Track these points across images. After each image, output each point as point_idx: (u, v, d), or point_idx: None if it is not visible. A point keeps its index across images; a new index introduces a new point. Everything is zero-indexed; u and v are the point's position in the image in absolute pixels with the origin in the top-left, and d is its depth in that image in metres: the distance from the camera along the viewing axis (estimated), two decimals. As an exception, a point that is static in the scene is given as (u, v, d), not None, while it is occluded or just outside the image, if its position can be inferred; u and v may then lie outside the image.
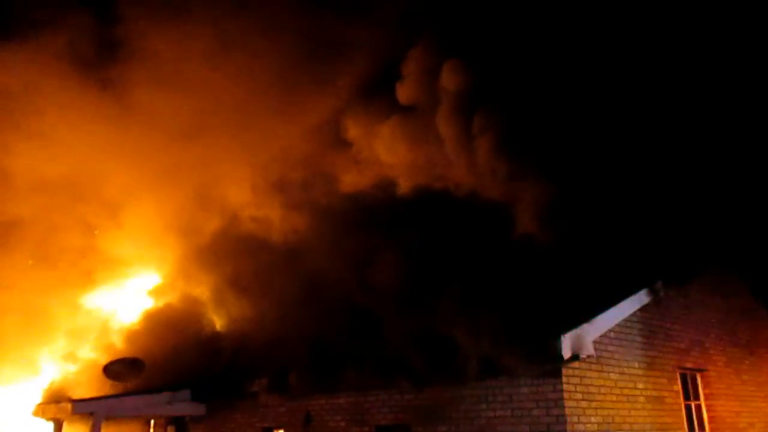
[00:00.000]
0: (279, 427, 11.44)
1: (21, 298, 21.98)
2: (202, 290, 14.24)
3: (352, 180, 11.30)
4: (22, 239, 22.00)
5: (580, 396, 7.62)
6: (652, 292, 8.99)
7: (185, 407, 12.72)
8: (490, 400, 8.08)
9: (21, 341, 22.22)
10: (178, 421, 13.80)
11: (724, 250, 9.74)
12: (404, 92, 10.64)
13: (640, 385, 8.58)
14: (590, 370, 7.83)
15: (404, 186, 10.34)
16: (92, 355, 16.80)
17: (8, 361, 23.68)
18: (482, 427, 8.09)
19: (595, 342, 7.73)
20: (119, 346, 16.11)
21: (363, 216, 10.27)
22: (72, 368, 17.22)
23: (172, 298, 15.51)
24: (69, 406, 12.47)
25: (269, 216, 12.39)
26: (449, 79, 9.71)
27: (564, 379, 7.44)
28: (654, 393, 8.78)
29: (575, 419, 7.46)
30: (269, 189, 13.18)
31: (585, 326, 7.56)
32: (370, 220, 10.06)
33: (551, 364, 7.40)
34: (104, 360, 15.38)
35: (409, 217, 9.88)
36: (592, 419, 7.70)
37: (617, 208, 9.20)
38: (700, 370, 9.96)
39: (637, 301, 8.77)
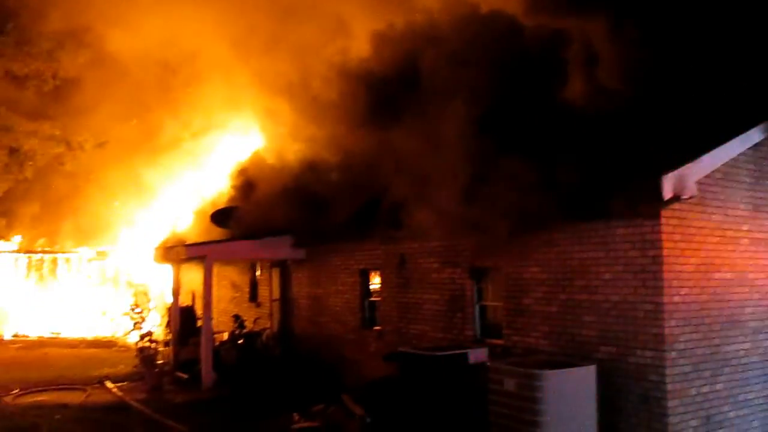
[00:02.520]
0: (374, 269, 12.06)
1: (132, 158, 23.69)
2: (298, 144, 14.62)
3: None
4: (131, 106, 23.53)
5: (679, 237, 7.45)
6: (765, 129, 8.35)
7: (287, 251, 13.60)
8: (584, 241, 8.06)
9: (140, 196, 24.21)
10: (281, 264, 14.81)
11: None
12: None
13: (745, 227, 8.26)
14: (692, 211, 7.57)
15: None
16: (203, 205, 18.00)
17: (129, 213, 25.91)
18: (574, 268, 8.16)
19: (698, 182, 7.40)
20: (226, 196, 17.11)
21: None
22: (186, 218, 18.60)
23: (272, 151, 16.08)
24: (183, 250, 13.57)
25: (356, 61, 12.21)
26: None
27: (663, 221, 7.25)
28: (759, 235, 8.45)
29: (672, 260, 7.36)
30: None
31: (689, 166, 7.21)
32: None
33: (650, 205, 7.20)
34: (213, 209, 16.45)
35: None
36: (691, 260, 7.56)
37: (728, 41, 8.38)
38: (811, 212, 9.41)
39: (747, 139, 8.16)
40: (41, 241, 27.53)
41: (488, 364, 7.99)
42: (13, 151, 18.55)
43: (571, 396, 7.21)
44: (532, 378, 7.13)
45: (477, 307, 9.80)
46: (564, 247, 8.31)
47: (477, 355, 8.64)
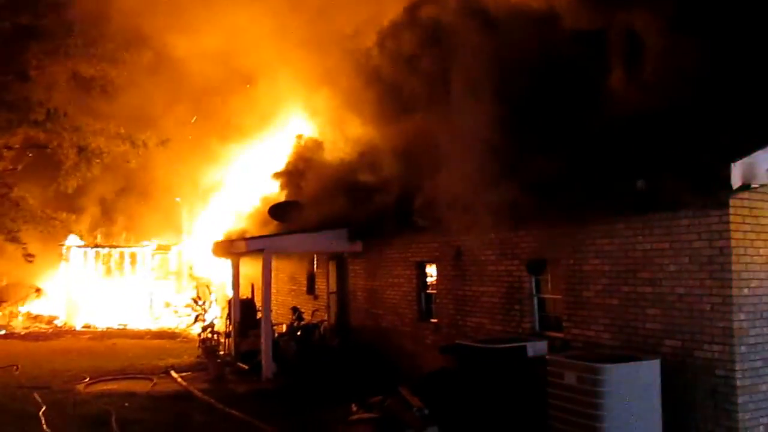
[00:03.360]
0: (431, 261, 12.04)
1: (193, 154, 24.45)
2: (348, 142, 14.73)
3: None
4: (191, 105, 24.36)
5: (748, 228, 7.15)
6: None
7: (343, 244, 13.70)
8: (647, 232, 7.83)
9: (201, 192, 24.97)
10: (338, 257, 14.95)
11: None
12: None
13: (820, 217, 7.86)
14: (762, 200, 7.25)
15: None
16: (261, 200, 18.34)
17: (191, 208, 26.69)
18: (637, 260, 7.95)
19: (769, 171, 7.08)
20: (283, 191, 17.39)
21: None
22: (244, 213, 19.01)
23: (327, 145, 16.24)
24: (243, 243, 13.87)
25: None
26: None
27: (731, 210, 6.97)
28: (835, 225, 8.02)
29: (741, 251, 7.07)
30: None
31: (759, 153, 6.89)
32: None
33: (718, 194, 6.93)
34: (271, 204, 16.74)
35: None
36: (761, 252, 7.25)
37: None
38: None
39: (824, 124, 7.77)
40: (108, 235, 28.69)
41: (547, 357, 7.87)
42: (81, 150, 19.35)
43: (633, 390, 7.02)
44: (594, 372, 6.99)
45: (535, 300, 9.67)
46: (626, 238, 8.09)
47: (536, 348, 8.52)
